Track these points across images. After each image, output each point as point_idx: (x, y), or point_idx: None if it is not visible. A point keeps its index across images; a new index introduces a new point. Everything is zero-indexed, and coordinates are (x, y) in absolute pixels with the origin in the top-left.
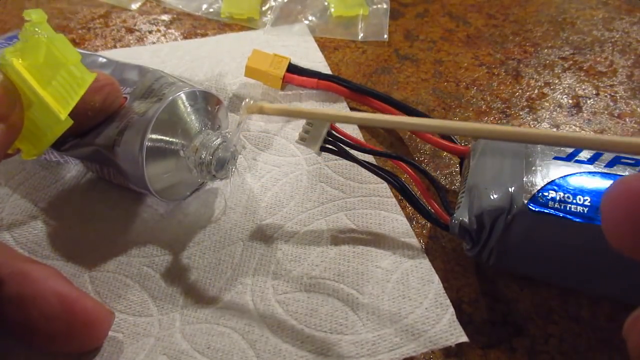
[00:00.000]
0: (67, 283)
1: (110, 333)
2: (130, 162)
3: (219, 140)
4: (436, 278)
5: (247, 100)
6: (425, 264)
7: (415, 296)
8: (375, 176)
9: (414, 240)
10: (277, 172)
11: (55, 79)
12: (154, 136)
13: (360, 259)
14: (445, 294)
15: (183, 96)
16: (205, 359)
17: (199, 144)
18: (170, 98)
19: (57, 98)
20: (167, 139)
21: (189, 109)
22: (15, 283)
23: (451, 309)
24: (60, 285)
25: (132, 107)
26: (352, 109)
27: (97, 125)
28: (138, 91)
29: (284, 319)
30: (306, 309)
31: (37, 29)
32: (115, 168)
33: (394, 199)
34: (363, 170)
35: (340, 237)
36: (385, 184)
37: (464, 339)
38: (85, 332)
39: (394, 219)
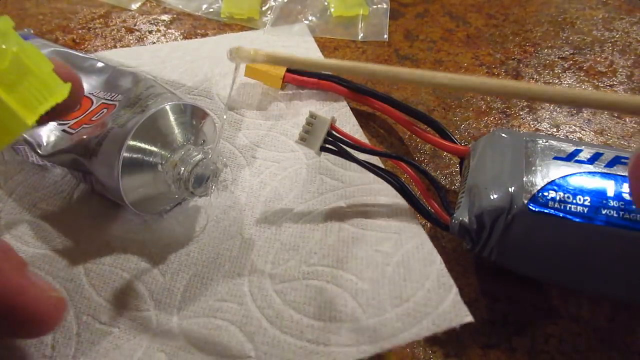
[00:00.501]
0: (9, 270)
1: (106, 328)
2: (106, 173)
3: (199, 157)
4: (438, 258)
5: (233, 47)
6: (427, 244)
7: (417, 278)
8: (378, 177)
9: (415, 222)
10: (276, 167)
11: (21, 84)
12: (131, 148)
13: (359, 244)
14: (449, 274)
15: (166, 108)
16: (203, 353)
17: (178, 159)
18: (152, 110)
19: (23, 103)
20: (146, 152)
21: (171, 122)
22: None
23: (455, 289)
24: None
25: (116, 117)
26: (352, 109)
27: (77, 133)
28: (127, 100)
29: (282, 308)
30: (304, 297)
31: (1, 39)
32: (95, 178)
33: None
34: None
35: (339, 225)
36: None
37: (470, 318)
38: (30, 325)
39: (393, 202)
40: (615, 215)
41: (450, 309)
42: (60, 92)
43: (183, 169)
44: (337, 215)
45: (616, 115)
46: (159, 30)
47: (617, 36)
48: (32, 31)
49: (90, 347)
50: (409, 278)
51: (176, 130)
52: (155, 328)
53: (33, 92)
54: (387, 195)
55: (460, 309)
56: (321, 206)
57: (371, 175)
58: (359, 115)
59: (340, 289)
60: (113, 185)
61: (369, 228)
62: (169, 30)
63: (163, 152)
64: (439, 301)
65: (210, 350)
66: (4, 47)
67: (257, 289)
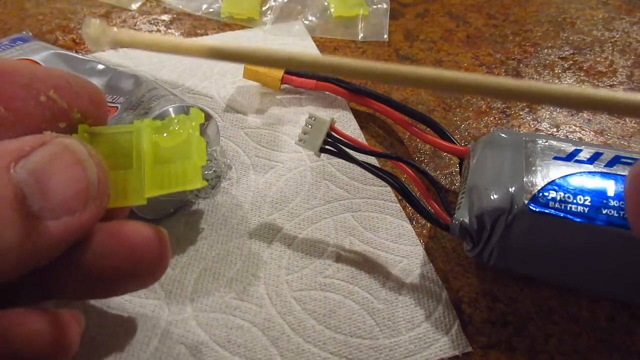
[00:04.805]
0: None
1: (114, 312)
2: None
3: None
4: (444, 291)
5: (87, 18)
6: (432, 274)
7: (427, 305)
8: (378, 178)
9: (419, 248)
10: (280, 167)
11: (167, 164)
12: None
13: (371, 262)
14: (452, 306)
15: (169, 111)
16: (227, 353)
17: None
18: (156, 112)
19: (154, 178)
20: None
21: None
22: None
23: (457, 321)
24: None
25: (118, 120)
26: (351, 109)
27: None
28: (129, 102)
29: (303, 317)
30: (324, 309)
31: (190, 126)
32: None
33: (398, 205)
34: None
35: (350, 239)
36: (388, 188)
37: (469, 349)
38: (140, 265)
39: (399, 225)
40: (616, 215)
41: (455, 338)
42: (194, 184)
43: None
44: (346, 228)
45: (616, 115)
46: (159, 30)
47: (617, 36)
48: (30, 33)
49: (98, 331)
50: (420, 303)
51: None
52: (168, 316)
53: (170, 176)
54: (393, 214)
55: (462, 339)
56: (329, 215)
57: (375, 189)
58: (358, 116)
59: (358, 305)
60: None
61: (379, 248)
62: (169, 30)
63: None
64: (446, 330)
65: (234, 350)
66: (191, 131)
67: (275, 293)
